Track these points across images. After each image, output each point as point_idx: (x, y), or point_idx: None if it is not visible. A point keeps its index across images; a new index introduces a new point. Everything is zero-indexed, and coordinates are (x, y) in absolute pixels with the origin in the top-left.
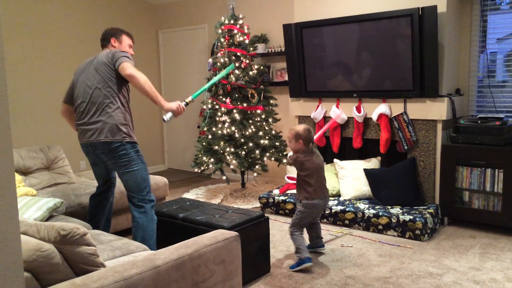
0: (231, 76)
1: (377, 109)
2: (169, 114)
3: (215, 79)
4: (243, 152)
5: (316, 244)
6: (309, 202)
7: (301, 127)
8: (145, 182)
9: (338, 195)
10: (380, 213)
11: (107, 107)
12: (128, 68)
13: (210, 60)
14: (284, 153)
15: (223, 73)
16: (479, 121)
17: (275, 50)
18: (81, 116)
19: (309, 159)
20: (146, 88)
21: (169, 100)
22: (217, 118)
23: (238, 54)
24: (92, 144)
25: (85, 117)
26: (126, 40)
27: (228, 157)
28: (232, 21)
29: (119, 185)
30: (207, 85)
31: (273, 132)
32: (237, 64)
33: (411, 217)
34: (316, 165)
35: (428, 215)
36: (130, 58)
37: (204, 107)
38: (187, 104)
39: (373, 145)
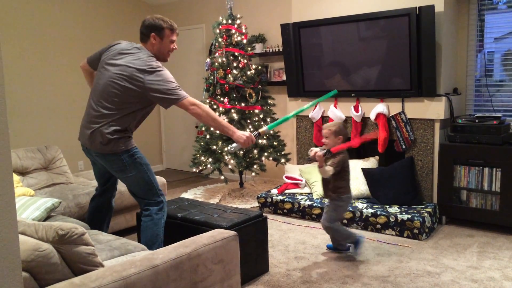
0: (229, 76)
1: (375, 109)
2: (235, 144)
3: (297, 111)
4: (241, 152)
5: (341, 247)
6: (348, 196)
7: (338, 123)
8: (147, 185)
9: None
10: (378, 212)
11: (107, 118)
12: (188, 105)
13: (208, 60)
14: (283, 153)
15: (320, 99)
16: (476, 120)
17: (273, 50)
18: (85, 111)
19: (346, 159)
20: (210, 124)
21: None
22: None
23: (236, 54)
24: (87, 146)
25: (86, 116)
26: (168, 35)
27: (226, 157)
28: (230, 21)
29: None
30: (288, 116)
31: (271, 132)
32: (234, 64)
33: (409, 216)
34: (348, 163)
35: (426, 214)
36: (176, 86)
37: None
38: (259, 134)
39: (371, 144)
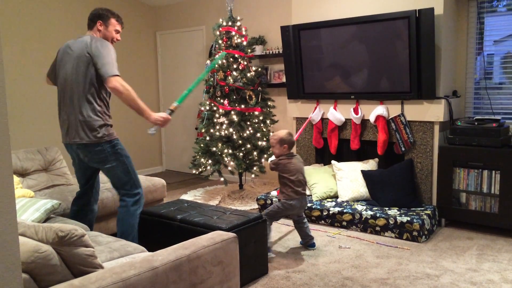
0: (229, 77)
1: (375, 111)
2: (155, 127)
3: (200, 76)
4: (241, 154)
5: (307, 243)
6: (286, 202)
7: (283, 132)
8: (126, 177)
9: (335, 196)
10: (378, 215)
11: (83, 105)
12: (113, 81)
13: (208, 61)
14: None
15: (211, 66)
16: (476, 123)
17: (273, 52)
18: (59, 108)
19: (292, 162)
20: (129, 102)
21: (156, 109)
22: (215, 120)
23: (236, 55)
24: (69, 141)
25: (61, 111)
26: (114, 24)
27: (226, 159)
28: (230, 23)
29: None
30: (191, 86)
31: (271, 133)
32: (234, 66)
33: (409, 218)
34: (298, 168)
35: (425, 217)
36: (115, 63)
37: (202, 108)
38: (172, 111)
39: (371, 146)
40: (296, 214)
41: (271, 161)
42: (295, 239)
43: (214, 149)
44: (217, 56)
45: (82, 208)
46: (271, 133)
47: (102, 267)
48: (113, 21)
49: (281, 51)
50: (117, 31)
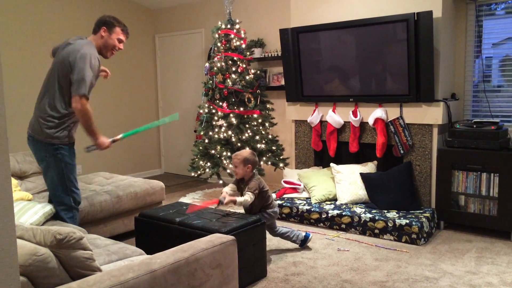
0: (228, 80)
1: (373, 114)
2: (94, 147)
3: (153, 124)
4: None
5: (300, 238)
6: (274, 210)
7: (247, 152)
8: (60, 186)
9: (334, 199)
10: (377, 217)
11: (47, 105)
12: (77, 102)
13: (207, 64)
14: (281, 157)
15: (164, 120)
16: (474, 126)
17: (271, 55)
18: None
19: (262, 180)
20: (83, 121)
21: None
22: (214, 123)
23: (235, 58)
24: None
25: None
26: (118, 33)
27: (224, 161)
28: (228, 26)
29: (115, 189)
30: (141, 128)
31: (270, 136)
32: (233, 69)
33: (407, 221)
34: (265, 183)
35: (424, 219)
36: (87, 81)
37: (201, 111)
38: (114, 141)
39: (370, 149)
40: (272, 224)
41: (251, 188)
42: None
43: (213, 151)
44: (167, 117)
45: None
46: (269, 136)
47: (100, 270)
48: (117, 29)
49: (280, 54)
50: (120, 40)
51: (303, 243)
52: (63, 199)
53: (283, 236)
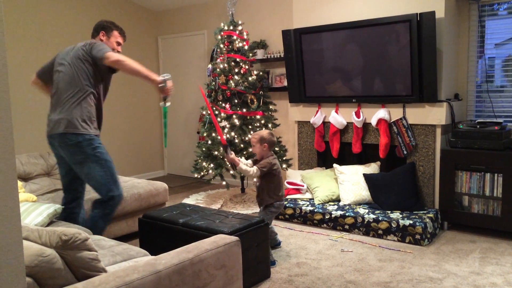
0: (231, 81)
1: (376, 114)
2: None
3: (165, 124)
4: (243, 158)
5: (275, 242)
6: (281, 203)
7: (264, 131)
8: (103, 179)
9: (337, 200)
10: (380, 218)
11: (69, 102)
12: (111, 56)
13: (210, 66)
14: (284, 158)
15: (165, 121)
16: (478, 126)
17: (274, 56)
18: (50, 108)
19: (276, 163)
20: (132, 68)
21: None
22: None
23: (238, 59)
24: (52, 136)
25: (52, 111)
26: (116, 36)
27: (227, 163)
28: (231, 27)
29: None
30: (165, 125)
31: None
32: (236, 70)
33: (411, 221)
34: (279, 167)
35: (428, 220)
36: (110, 49)
37: (204, 112)
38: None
39: (373, 150)
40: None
41: (260, 166)
42: (296, 242)
43: (216, 153)
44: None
45: (68, 216)
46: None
47: (105, 271)
48: (115, 33)
49: (282, 55)
50: (118, 43)
51: (273, 247)
52: (110, 193)
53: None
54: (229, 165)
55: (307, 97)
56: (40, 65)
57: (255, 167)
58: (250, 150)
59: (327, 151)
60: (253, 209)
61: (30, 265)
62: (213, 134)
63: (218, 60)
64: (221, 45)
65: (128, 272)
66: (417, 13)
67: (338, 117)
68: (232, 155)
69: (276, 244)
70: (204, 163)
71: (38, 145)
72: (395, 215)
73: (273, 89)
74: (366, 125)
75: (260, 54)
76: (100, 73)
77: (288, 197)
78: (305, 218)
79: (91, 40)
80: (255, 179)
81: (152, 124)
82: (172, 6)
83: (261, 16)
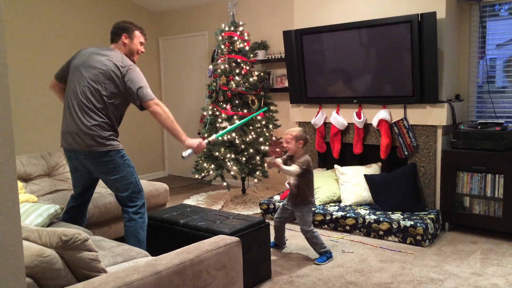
0: (232, 82)
1: (377, 115)
2: (189, 151)
3: (241, 122)
4: (244, 158)
5: (282, 243)
6: (312, 203)
7: (298, 129)
8: (135, 187)
9: (338, 201)
10: (381, 219)
11: (92, 115)
12: (154, 106)
13: (211, 66)
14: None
15: (248, 117)
16: (479, 127)
17: (275, 57)
18: (66, 116)
19: (309, 158)
20: (167, 125)
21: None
22: (218, 125)
23: (238, 60)
24: (74, 149)
25: (69, 120)
26: (138, 37)
27: (228, 163)
28: (232, 28)
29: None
30: (233, 126)
31: (274, 138)
32: (237, 71)
33: (412, 222)
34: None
35: (429, 221)
36: (146, 85)
37: (205, 113)
38: (209, 143)
39: (374, 151)
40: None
41: (297, 165)
42: (297, 243)
43: (217, 153)
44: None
45: (75, 219)
46: (273, 138)
47: (105, 272)
48: (137, 33)
49: (283, 56)
50: (141, 43)
51: (321, 260)
52: (139, 200)
53: (313, 240)
54: (266, 166)
55: (308, 98)
56: (40, 65)
57: (295, 166)
58: (251, 151)
59: (328, 152)
60: (254, 210)
61: (30, 265)
62: (214, 135)
63: (219, 61)
64: (222, 46)
65: (128, 272)
66: (418, 14)
67: (339, 118)
68: (276, 160)
69: (275, 245)
70: (205, 164)
71: (39, 146)
72: (396, 216)
73: (274, 90)
74: (367, 126)
75: (261, 55)
76: (125, 105)
77: None
78: None
79: (122, 57)
80: (291, 181)
81: (153, 125)
82: (173, 7)
83: (262, 17)
